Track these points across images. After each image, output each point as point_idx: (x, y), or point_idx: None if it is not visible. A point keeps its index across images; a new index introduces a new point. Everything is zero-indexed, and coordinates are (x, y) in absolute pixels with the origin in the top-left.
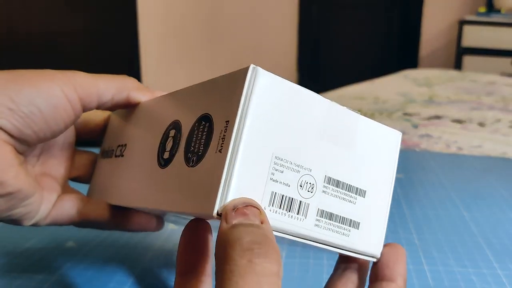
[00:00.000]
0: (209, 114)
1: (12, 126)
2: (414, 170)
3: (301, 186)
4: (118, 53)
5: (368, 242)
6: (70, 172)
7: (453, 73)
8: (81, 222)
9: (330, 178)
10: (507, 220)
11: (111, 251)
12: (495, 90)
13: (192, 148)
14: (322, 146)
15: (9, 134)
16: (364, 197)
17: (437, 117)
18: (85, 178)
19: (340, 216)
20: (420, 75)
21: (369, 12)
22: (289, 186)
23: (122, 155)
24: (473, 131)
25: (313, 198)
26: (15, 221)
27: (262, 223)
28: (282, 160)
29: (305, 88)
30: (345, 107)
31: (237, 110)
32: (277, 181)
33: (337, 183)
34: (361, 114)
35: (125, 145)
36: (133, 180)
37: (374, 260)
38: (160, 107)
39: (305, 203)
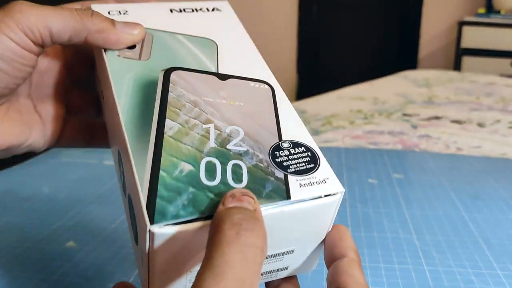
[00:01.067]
0: None
1: None
2: (414, 170)
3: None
4: None
5: (303, 264)
6: (68, 107)
7: (453, 74)
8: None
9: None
10: (507, 220)
11: (111, 251)
12: (494, 91)
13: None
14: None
15: None
16: (292, 253)
17: (437, 118)
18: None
19: (267, 271)
20: (419, 75)
21: (368, 13)
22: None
23: (103, 98)
24: (472, 132)
25: None
26: (25, 153)
27: (255, 210)
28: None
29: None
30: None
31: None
32: None
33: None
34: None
35: (102, 90)
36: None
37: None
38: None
39: None
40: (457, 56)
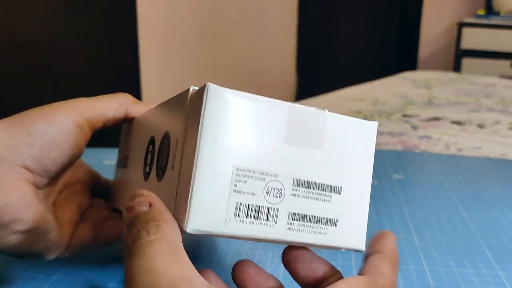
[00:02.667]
0: (168, 132)
1: (32, 160)
2: (414, 171)
3: (267, 193)
4: (118, 55)
5: (348, 237)
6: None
7: (452, 75)
8: (99, 246)
9: (300, 180)
10: (507, 221)
11: (111, 251)
12: (494, 92)
13: (160, 164)
14: (287, 150)
15: (30, 170)
16: (340, 193)
17: (436, 119)
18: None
19: (314, 216)
20: (419, 77)
21: (368, 14)
22: (254, 194)
23: (126, 166)
24: (472, 133)
25: (282, 202)
26: (37, 256)
27: (150, 205)
28: (244, 170)
29: (260, 96)
30: (309, 106)
31: (183, 129)
32: (241, 192)
33: (308, 184)
34: (328, 111)
35: (127, 156)
36: (129, 190)
37: (359, 252)
38: (145, 121)
39: (273, 208)
40: (457, 57)
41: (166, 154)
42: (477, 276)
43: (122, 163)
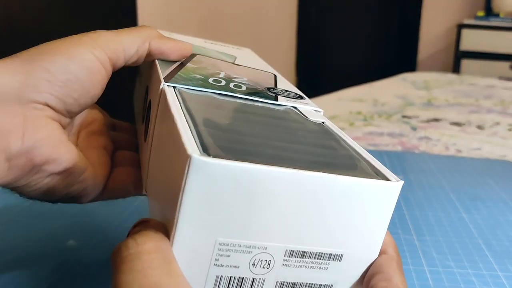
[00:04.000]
0: (151, 101)
1: (54, 98)
2: (413, 172)
3: (253, 265)
4: None
5: None
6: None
7: (452, 76)
8: (137, 193)
9: (293, 251)
10: (507, 221)
11: (112, 250)
12: (493, 93)
13: (146, 127)
14: (282, 221)
15: (54, 109)
16: (340, 261)
17: (436, 120)
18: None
19: (306, 283)
20: (418, 78)
21: (368, 15)
22: (238, 267)
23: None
24: (472, 134)
25: (270, 273)
26: (74, 198)
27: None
28: (228, 245)
29: (255, 165)
30: (316, 172)
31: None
32: (223, 265)
33: (303, 254)
34: (336, 175)
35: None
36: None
37: None
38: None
39: (259, 279)
40: (456, 59)
41: (148, 122)
42: (477, 277)
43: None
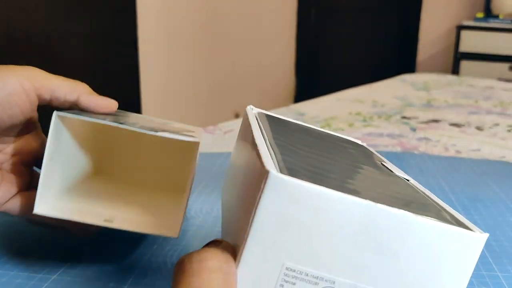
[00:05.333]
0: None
1: None
2: (413, 172)
3: None
4: (117, 55)
5: None
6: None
7: (451, 77)
8: (31, 221)
9: None
10: (506, 222)
11: (111, 250)
12: (493, 94)
13: None
14: (353, 256)
15: None
16: None
17: (435, 121)
18: None
19: None
20: (418, 79)
21: (367, 16)
22: None
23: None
24: (471, 135)
25: None
26: None
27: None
28: (294, 271)
29: (332, 191)
30: (395, 208)
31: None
32: None
33: None
34: (417, 215)
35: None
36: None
37: None
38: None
39: None
40: (456, 60)
41: None
42: (476, 277)
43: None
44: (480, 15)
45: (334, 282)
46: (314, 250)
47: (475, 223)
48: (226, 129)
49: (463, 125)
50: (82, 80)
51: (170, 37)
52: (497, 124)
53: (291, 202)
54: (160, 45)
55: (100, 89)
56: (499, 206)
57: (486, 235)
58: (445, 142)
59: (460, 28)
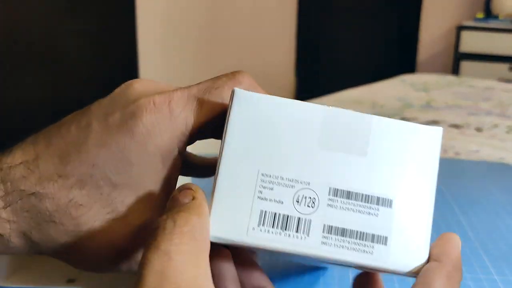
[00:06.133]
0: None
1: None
2: None
3: (297, 201)
4: (117, 55)
5: (402, 259)
6: None
7: (451, 78)
8: None
9: (337, 189)
10: (504, 225)
11: None
12: (492, 95)
13: None
14: (322, 156)
15: None
16: (390, 206)
17: (435, 122)
18: None
19: (357, 231)
20: (417, 80)
21: (367, 16)
22: (282, 203)
23: None
24: (470, 136)
25: (316, 213)
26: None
27: (193, 199)
28: (270, 176)
29: (294, 100)
30: (350, 110)
31: (223, 134)
32: (266, 199)
33: (348, 194)
34: (374, 115)
35: None
36: None
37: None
38: None
39: (305, 219)
40: (456, 61)
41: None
42: (474, 281)
43: None
44: (480, 15)
45: (309, 183)
46: (286, 156)
47: (473, 225)
48: None
49: (462, 126)
50: (82, 79)
51: (170, 37)
52: (496, 125)
53: (257, 113)
54: (160, 45)
55: (100, 89)
56: (498, 208)
57: (441, 128)
58: (444, 143)
59: (460, 28)
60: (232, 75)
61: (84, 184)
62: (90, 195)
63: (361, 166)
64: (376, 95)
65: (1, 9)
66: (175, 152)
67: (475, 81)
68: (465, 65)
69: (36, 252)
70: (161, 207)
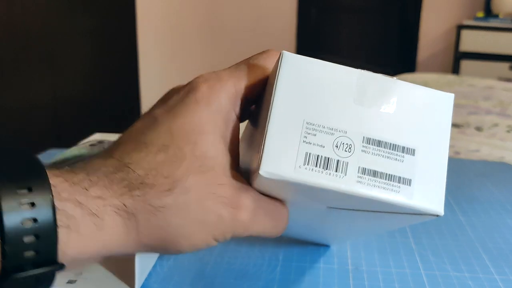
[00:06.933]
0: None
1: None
2: None
3: (337, 146)
4: (117, 55)
5: (424, 199)
6: None
7: (451, 77)
8: None
9: (370, 138)
10: (504, 224)
11: None
12: (492, 94)
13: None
14: (356, 110)
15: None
16: (413, 155)
17: None
18: None
19: (386, 173)
20: (418, 79)
21: (367, 15)
22: (324, 147)
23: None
24: (470, 136)
25: (352, 157)
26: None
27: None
28: (313, 125)
29: (333, 63)
30: (379, 74)
31: (272, 91)
32: (310, 143)
33: (379, 143)
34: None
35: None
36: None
37: (437, 217)
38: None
39: (343, 161)
40: (456, 60)
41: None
42: (474, 280)
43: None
44: (480, 14)
45: (346, 132)
46: (326, 108)
47: (472, 225)
48: None
49: (462, 126)
50: (82, 79)
51: (169, 36)
52: (496, 125)
53: (302, 72)
54: (159, 44)
55: (100, 89)
56: (497, 208)
57: (452, 95)
58: None
59: (460, 27)
60: (261, 52)
61: (167, 148)
62: (177, 155)
63: (389, 120)
64: None
65: (1, 9)
66: (233, 115)
67: (475, 80)
68: (465, 64)
69: (134, 239)
70: (232, 168)
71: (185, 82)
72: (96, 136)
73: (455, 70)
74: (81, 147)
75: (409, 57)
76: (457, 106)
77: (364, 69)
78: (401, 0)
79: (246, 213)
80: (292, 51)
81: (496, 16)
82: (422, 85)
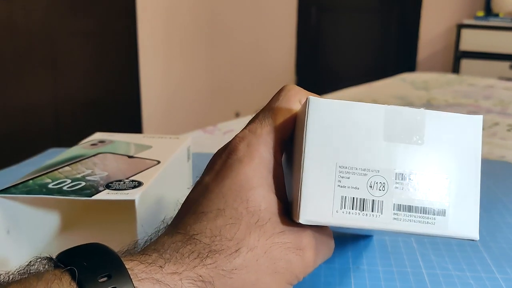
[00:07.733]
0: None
1: None
2: None
3: (371, 187)
4: (117, 55)
5: (459, 226)
6: None
7: (451, 76)
8: None
9: (402, 174)
10: (505, 224)
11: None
12: (493, 93)
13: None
14: (387, 147)
15: None
16: (447, 185)
17: None
18: None
19: (420, 207)
20: (418, 78)
21: (367, 15)
22: (358, 188)
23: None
24: None
25: (386, 195)
26: None
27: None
28: (346, 167)
29: (357, 102)
30: (406, 107)
31: (302, 135)
32: (345, 186)
33: (410, 178)
34: (426, 109)
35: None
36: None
37: (473, 241)
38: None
39: (378, 200)
40: (456, 59)
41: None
42: (475, 279)
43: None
44: (480, 13)
45: (378, 171)
46: (357, 149)
47: None
48: (226, 130)
49: None
50: (82, 79)
51: (170, 36)
52: (497, 124)
53: (329, 116)
54: (160, 44)
55: (100, 89)
56: (498, 207)
57: (481, 116)
58: None
59: (460, 26)
60: (279, 92)
61: (223, 211)
62: (233, 215)
63: (419, 153)
64: (377, 93)
65: (2, 9)
66: (275, 162)
67: (476, 80)
68: (465, 63)
69: None
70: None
71: (185, 83)
72: (97, 136)
73: (455, 69)
74: (82, 147)
75: (409, 56)
76: (457, 105)
77: (388, 104)
78: (401, 0)
79: (311, 251)
80: (292, 51)
81: (496, 15)
82: (422, 85)
